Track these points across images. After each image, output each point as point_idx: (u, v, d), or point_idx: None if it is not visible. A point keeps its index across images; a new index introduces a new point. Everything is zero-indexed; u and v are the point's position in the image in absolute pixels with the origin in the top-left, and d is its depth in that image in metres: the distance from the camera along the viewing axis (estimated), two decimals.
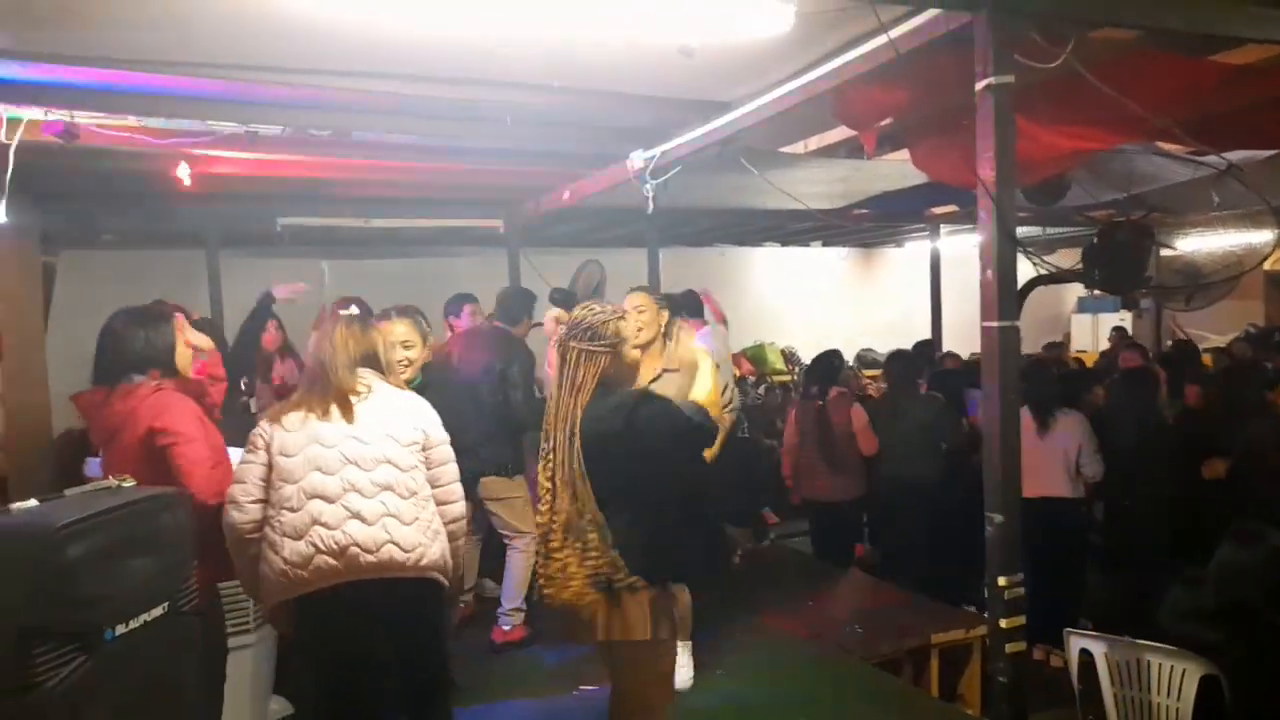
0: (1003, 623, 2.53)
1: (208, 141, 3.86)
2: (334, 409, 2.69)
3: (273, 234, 6.31)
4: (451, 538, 2.80)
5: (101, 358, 2.91)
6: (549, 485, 2.65)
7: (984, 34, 2.50)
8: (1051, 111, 3.35)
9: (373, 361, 2.86)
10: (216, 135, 3.79)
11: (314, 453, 2.63)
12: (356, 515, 2.59)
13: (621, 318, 2.76)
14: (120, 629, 2.10)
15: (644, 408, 2.64)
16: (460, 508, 2.86)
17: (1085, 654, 3.13)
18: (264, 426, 2.70)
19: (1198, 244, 6.66)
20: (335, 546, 2.55)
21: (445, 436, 2.85)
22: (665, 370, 3.68)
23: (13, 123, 3.31)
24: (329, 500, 2.59)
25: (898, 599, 4.62)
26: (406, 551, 2.62)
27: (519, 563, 4.47)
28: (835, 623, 4.30)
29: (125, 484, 2.39)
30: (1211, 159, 3.91)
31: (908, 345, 7.28)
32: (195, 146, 3.93)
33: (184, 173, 4.24)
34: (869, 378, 8.11)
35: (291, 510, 2.58)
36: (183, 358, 2.95)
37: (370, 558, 2.57)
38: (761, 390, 8.81)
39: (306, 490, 2.59)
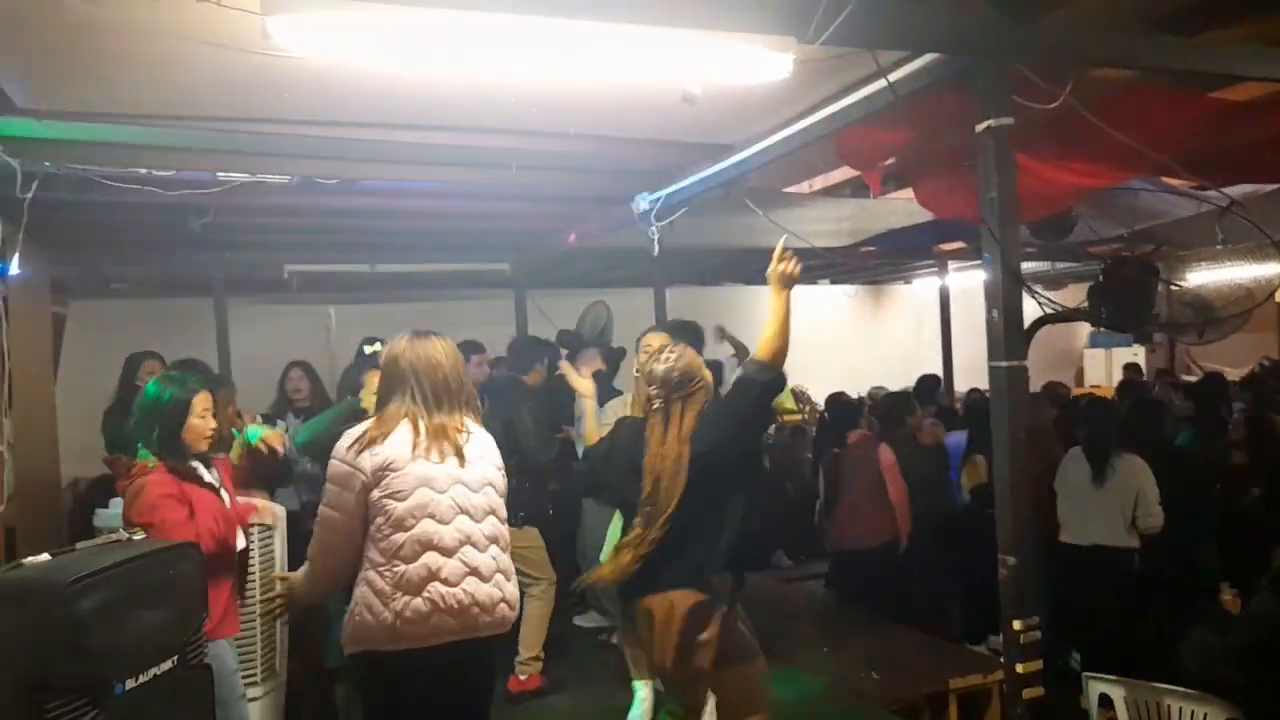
0: (1019, 668, 2.49)
1: (216, 192, 3.91)
2: (444, 448, 2.45)
3: (280, 280, 6.37)
4: None
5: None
6: (640, 532, 2.67)
7: (982, 77, 2.52)
8: (1054, 149, 3.38)
9: (464, 390, 2.60)
10: (225, 185, 3.83)
11: (426, 498, 2.40)
12: (475, 571, 2.43)
13: (682, 353, 2.84)
14: (130, 683, 2.09)
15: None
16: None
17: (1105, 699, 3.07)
18: (358, 464, 2.39)
19: (1206, 278, 6.64)
20: (455, 605, 2.38)
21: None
22: None
23: (26, 176, 3.35)
24: (446, 554, 2.40)
25: (913, 643, 4.55)
26: (513, 610, 2.54)
27: (536, 611, 4.44)
28: (851, 667, 4.24)
29: (135, 536, 2.39)
30: (1213, 194, 3.93)
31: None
32: (203, 197, 3.98)
33: (193, 223, 4.29)
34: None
35: (405, 561, 2.36)
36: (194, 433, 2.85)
37: (487, 618, 2.45)
38: (771, 430, 8.77)
39: (421, 540, 2.38)
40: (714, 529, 2.75)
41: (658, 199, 4.37)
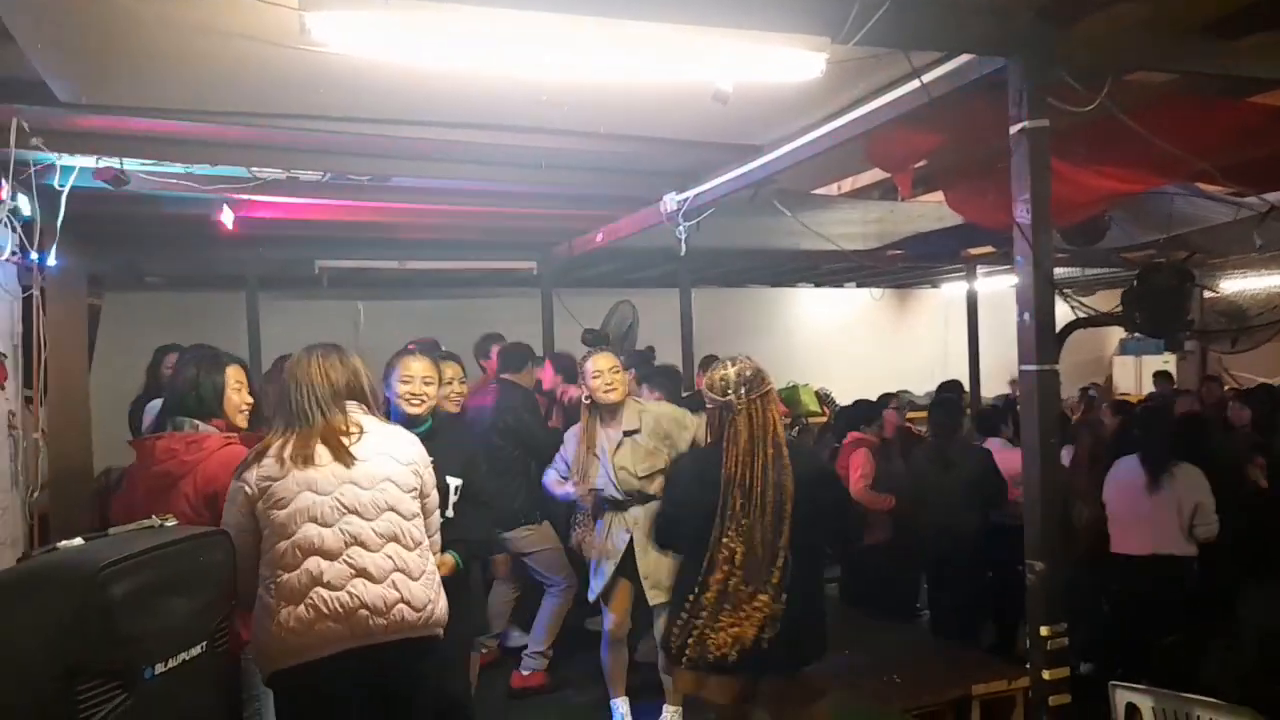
0: (1045, 674, 2.47)
1: (250, 187, 3.96)
2: (322, 451, 2.41)
3: (311, 276, 6.43)
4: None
5: (168, 400, 2.95)
6: (731, 549, 2.65)
7: (1018, 79, 2.50)
8: (1088, 153, 3.34)
9: (358, 394, 2.57)
10: (258, 181, 3.88)
11: (306, 501, 2.36)
12: (362, 573, 2.35)
13: (738, 361, 2.83)
14: (160, 667, 2.11)
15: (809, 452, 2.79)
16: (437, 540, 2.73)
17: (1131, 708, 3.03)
18: (245, 478, 2.41)
19: (1241, 285, 6.55)
20: (340, 610, 2.31)
21: (433, 480, 2.66)
22: (625, 433, 3.66)
23: (65, 169, 3.41)
24: (329, 557, 2.34)
25: (936, 648, 4.52)
26: (418, 610, 2.42)
27: (553, 607, 4.45)
28: (871, 671, 4.21)
29: (167, 523, 2.42)
30: (1251, 200, 3.87)
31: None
32: (238, 192, 4.03)
33: (227, 217, 4.35)
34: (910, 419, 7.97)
35: (287, 569, 2.33)
36: (232, 406, 2.92)
37: (380, 620, 2.35)
38: (795, 432, 8.75)
39: (302, 546, 2.34)
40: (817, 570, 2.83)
41: (685, 199, 4.37)
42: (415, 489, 2.53)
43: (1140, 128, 2.71)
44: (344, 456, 2.42)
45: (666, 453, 3.61)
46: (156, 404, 3.41)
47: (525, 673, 4.42)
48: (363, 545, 2.37)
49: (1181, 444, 4.53)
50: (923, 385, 8.47)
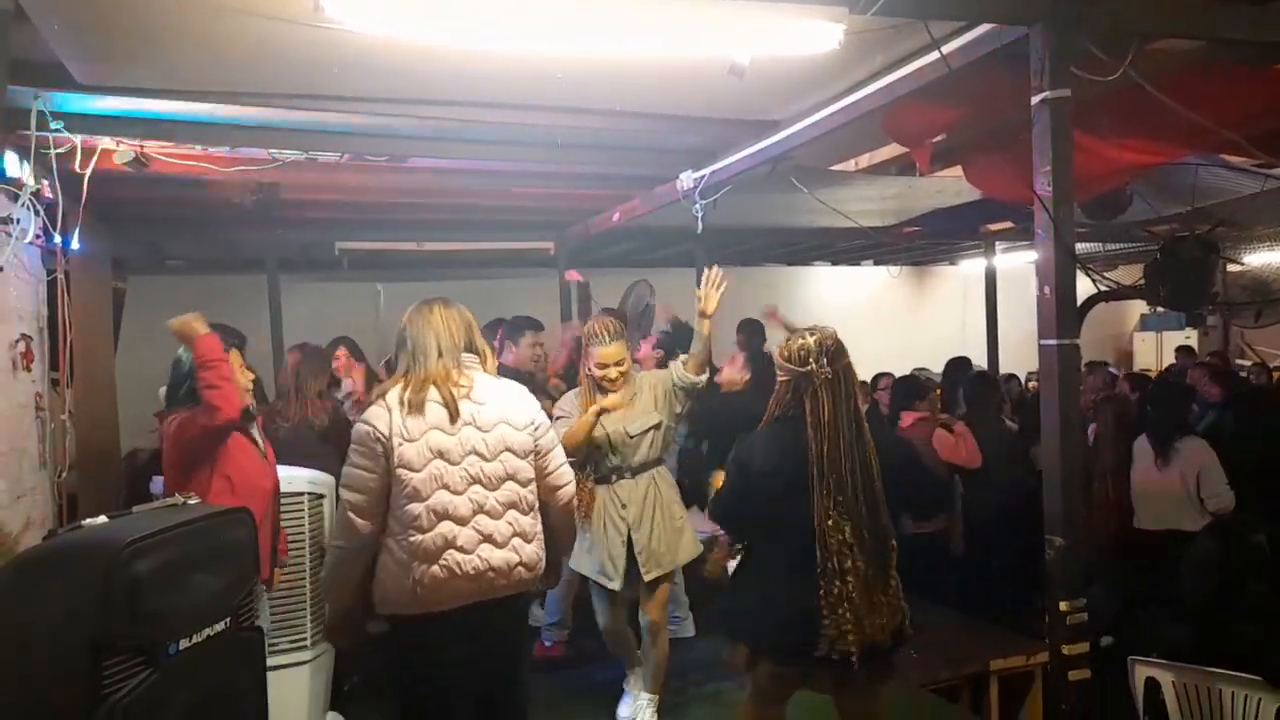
0: (1065, 649, 2.46)
1: (270, 169, 3.97)
2: (438, 410, 2.50)
3: (331, 258, 6.47)
4: (571, 514, 2.85)
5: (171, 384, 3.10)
6: (844, 537, 2.50)
7: (1039, 48, 2.46)
8: (1111, 125, 3.29)
9: (473, 349, 2.67)
10: (278, 163, 3.90)
11: (438, 469, 2.49)
12: (489, 539, 2.53)
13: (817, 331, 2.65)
14: (184, 643, 2.15)
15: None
16: (572, 487, 2.81)
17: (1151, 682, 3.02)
18: (381, 431, 2.46)
19: (1266, 259, 6.44)
20: (472, 572, 2.49)
21: (547, 421, 2.75)
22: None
23: (86, 152, 3.44)
24: (460, 523, 2.50)
25: (955, 623, 4.52)
26: (531, 571, 2.61)
27: (569, 577, 4.47)
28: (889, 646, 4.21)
29: (190, 501, 2.46)
30: (1278, 171, 3.80)
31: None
32: (258, 174, 4.05)
33: (247, 199, 4.37)
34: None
35: (421, 531, 2.46)
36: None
37: (503, 581, 2.55)
38: None
39: (436, 510, 2.47)
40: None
41: (702, 176, 4.35)
42: (531, 452, 2.64)
43: (1165, 97, 2.66)
44: (461, 417, 2.52)
45: (661, 413, 3.56)
46: None
47: (547, 644, 4.46)
48: (487, 514, 2.54)
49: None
50: (941, 363, 8.41)
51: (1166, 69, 2.87)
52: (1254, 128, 3.26)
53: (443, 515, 2.48)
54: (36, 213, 3.40)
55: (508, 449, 2.58)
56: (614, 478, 3.57)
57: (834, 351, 2.58)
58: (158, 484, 3.86)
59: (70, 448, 3.85)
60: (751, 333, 6.22)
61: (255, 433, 3.08)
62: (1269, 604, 2.95)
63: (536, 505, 2.66)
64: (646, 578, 3.52)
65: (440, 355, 2.57)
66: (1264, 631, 2.84)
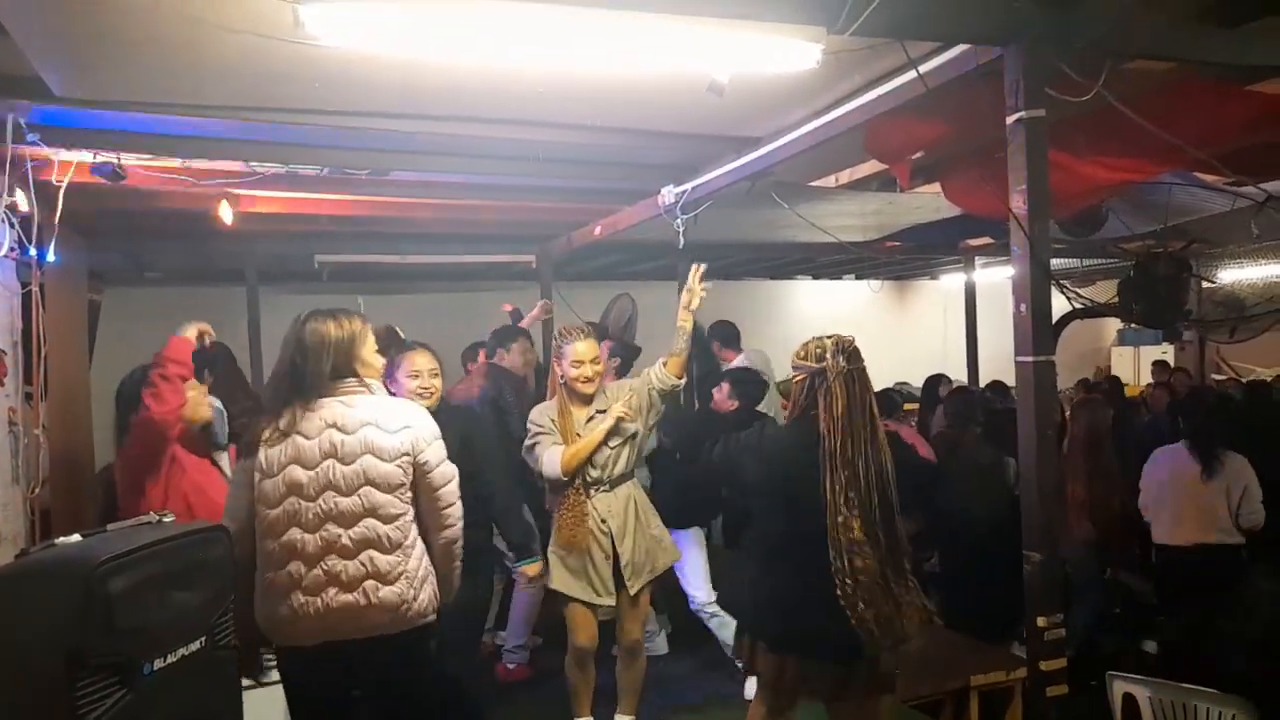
0: (1043, 665, 2.47)
1: (249, 181, 3.95)
2: (307, 446, 2.40)
3: (311, 270, 6.44)
4: (450, 559, 2.62)
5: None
6: (854, 535, 2.50)
7: (1014, 69, 2.49)
8: (1087, 143, 3.33)
9: (351, 366, 2.49)
10: (258, 175, 3.88)
11: (292, 506, 2.41)
12: (334, 579, 2.40)
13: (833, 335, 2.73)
14: (159, 663, 2.12)
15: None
16: (458, 529, 2.62)
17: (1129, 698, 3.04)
18: (246, 463, 2.46)
19: (1239, 275, 6.54)
20: (313, 614, 2.40)
21: (443, 454, 2.56)
22: (599, 411, 3.52)
23: (63, 164, 3.41)
24: (308, 563, 2.41)
25: (936, 638, 4.51)
26: (390, 612, 2.44)
27: (525, 600, 4.43)
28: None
29: (166, 518, 2.43)
30: (1249, 190, 3.86)
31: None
32: (237, 186, 4.03)
33: (226, 212, 4.34)
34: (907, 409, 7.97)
35: (273, 567, 2.43)
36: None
37: (352, 625, 2.42)
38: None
39: (286, 547, 2.41)
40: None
41: (684, 191, 4.37)
42: (402, 486, 2.46)
43: (1138, 117, 2.70)
44: (323, 448, 2.41)
45: (637, 422, 3.50)
46: None
47: (510, 666, 4.41)
48: (337, 553, 2.41)
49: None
50: (922, 377, 8.47)
51: (1140, 89, 2.91)
52: (1225, 147, 3.31)
53: (291, 553, 2.40)
54: (11, 225, 3.36)
55: (369, 483, 2.42)
56: (594, 491, 3.50)
57: (851, 353, 2.66)
58: None
59: (44, 463, 3.80)
60: (726, 339, 6.18)
61: (224, 461, 3.03)
62: None
63: (406, 542, 2.48)
64: (632, 590, 3.47)
65: (308, 380, 2.43)
66: None
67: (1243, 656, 2.92)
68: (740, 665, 4.18)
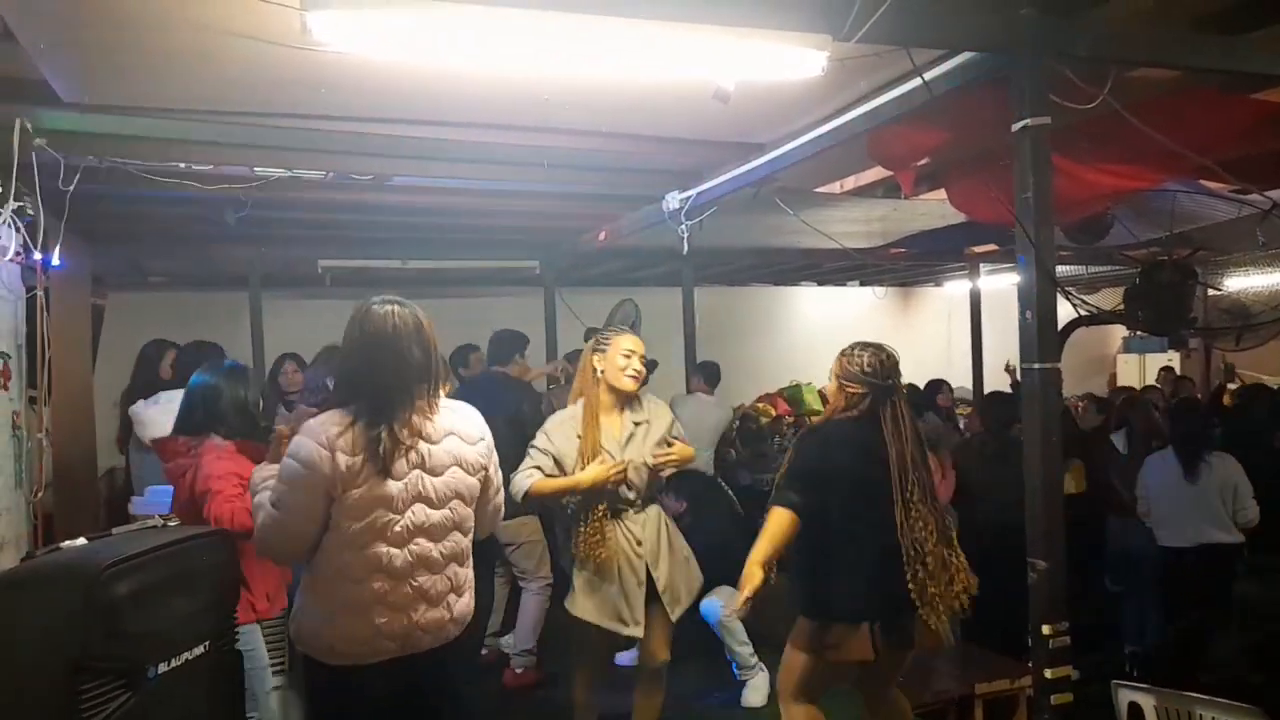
0: (1048, 673, 2.46)
1: (253, 186, 3.96)
2: (401, 459, 2.23)
3: (314, 275, 6.44)
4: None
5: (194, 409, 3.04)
6: (924, 526, 2.91)
7: (1020, 76, 2.49)
8: (1092, 150, 3.33)
9: (435, 371, 2.35)
10: (262, 180, 3.89)
11: (381, 521, 2.22)
12: (423, 596, 2.30)
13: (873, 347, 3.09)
14: (163, 667, 2.13)
15: None
16: (501, 497, 2.60)
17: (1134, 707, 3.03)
18: (323, 473, 2.16)
19: (1245, 283, 6.53)
20: (399, 630, 2.27)
21: (497, 464, 2.53)
22: (636, 423, 3.35)
23: (69, 169, 3.41)
24: (395, 578, 2.25)
25: (941, 646, 4.50)
26: (459, 626, 2.44)
27: (533, 605, 4.44)
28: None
29: (171, 523, 2.43)
30: (1255, 198, 3.86)
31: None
32: (241, 191, 4.03)
33: (229, 217, 4.34)
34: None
35: (352, 581, 2.23)
36: None
37: (429, 638, 2.35)
38: (795, 433, 8.73)
39: (370, 562, 2.23)
40: None
41: (688, 197, 4.37)
42: (475, 496, 2.43)
43: (1143, 124, 2.70)
44: (419, 463, 2.27)
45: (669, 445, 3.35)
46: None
47: (518, 671, 4.42)
48: (427, 568, 2.31)
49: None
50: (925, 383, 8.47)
51: (1145, 96, 2.91)
52: (1229, 154, 3.30)
53: (377, 568, 2.23)
54: (17, 229, 3.37)
55: (457, 495, 2.35)
56: (627, 512, 3.29)
57: (898, 370, 3.05)
58: (137, 504, 3.83)
59: (47, 467, 3.80)
60: (709, 377, 6.26)
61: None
62: None
63: (471, 550, 2.46)
64: (673, 617, 3.32)
65: (399, 384, 2.25)
66: None
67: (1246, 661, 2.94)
68: (737, 670, 4.22)
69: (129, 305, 6.65)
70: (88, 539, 2.22)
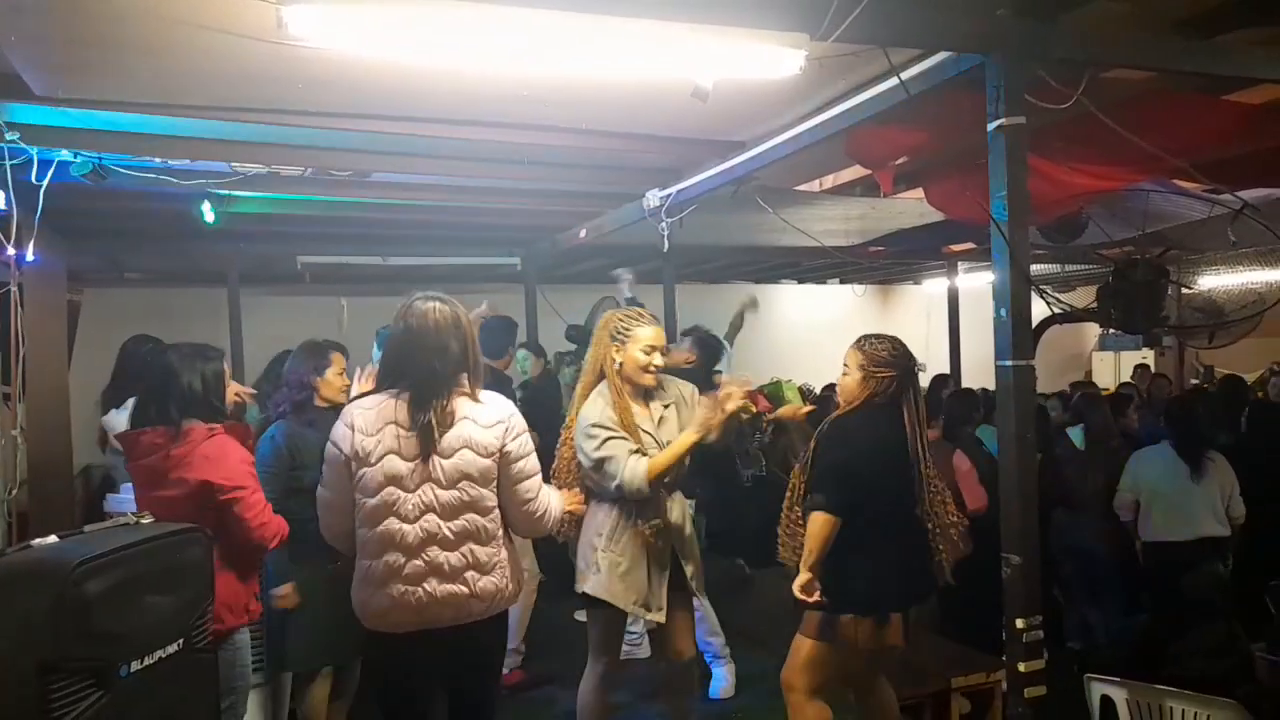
0: (1021, 666, 2.49)
1: (231, 182, 3.93)
2: (415, 440, 2.41)
3: (293, 272, 6.41)
4: (541, 530, 2.69)
5: (152, 394, 2.81)
6: (943, 503, 3.07)
7: (994, 76, 2.52)
8: (1067, 150, 3.37)
9: (468, 363, 2.52)
10: (239, 176, 3.86)
11: (392, 497, 2.42)
12: (437, 571, 2.44)
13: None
14: (135, 665, 2.11)
15: None
16: (546, 523, 2.65)
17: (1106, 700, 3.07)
18: (344, 452, 2.43)
19: (1217, 281, 6.61)
20: (413, 603, 2.42)
21: (529, 448, 2.57)
22: (665, 405, 3.18)
23: (43, 164, 3.38)
24: (407, 554, 2.42)
25: (917, 640, 4.53)
26: (485, 602, 2.50)
27: (520, 602, 4.41)
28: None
29: (144, 520, 2.41)
30: (1226, 197, 3.91)
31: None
32: (219, 187, 4.00)
33: (207, 212, 4.31)
34: None
35: (369, 557, 2.45)
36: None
37: (450, 613, 2.47)
38: (770, 431, 8.74)
39: (384, 538, 2.42)
40: None
41: (668, 195, 4.38)
42: (494, 481, 2.50)
43: (1117, 125, 2.73)
44: (431, 446, 2.42)
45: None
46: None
47: (505, 671, 4.40)
48: (439, 544, 2.45)
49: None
50: None
51: (1119, 97, 2.95)
52: (1202, 155, 3.35)
53: (389, 544, 2.42)
54: None
55: (466, 477, 2.46)
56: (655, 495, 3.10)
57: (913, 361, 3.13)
58: (112, 501, 3.80)
59: (21, 464, 3.76)
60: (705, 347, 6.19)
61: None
62: None
63: (500, 533, 2.54)
64: (698, 601, 3.36)
65: (429, 374, 2.44)
66: None
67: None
68: (709, 661, 4.24)
69: (106, 301, 6.59)
70: (59, 537, 2.20)
